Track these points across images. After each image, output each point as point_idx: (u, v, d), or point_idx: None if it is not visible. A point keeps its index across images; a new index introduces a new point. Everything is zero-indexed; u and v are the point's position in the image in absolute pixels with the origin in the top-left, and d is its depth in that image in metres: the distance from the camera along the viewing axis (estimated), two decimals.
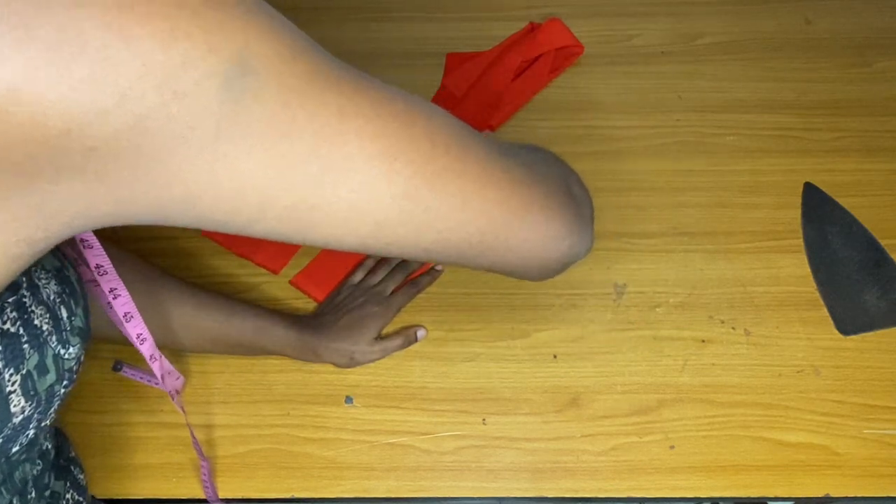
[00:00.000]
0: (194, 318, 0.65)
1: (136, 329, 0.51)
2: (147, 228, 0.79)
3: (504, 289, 0.76)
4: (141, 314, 0.53)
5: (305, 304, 0.75)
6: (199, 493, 0.65)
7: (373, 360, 0.71)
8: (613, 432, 0.67)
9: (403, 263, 0.75)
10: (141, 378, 0.69)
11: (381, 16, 0.99)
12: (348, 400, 0.69)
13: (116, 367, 0.70)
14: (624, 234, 0.79)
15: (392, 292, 0.73)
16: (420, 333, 0.72)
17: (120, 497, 0.64)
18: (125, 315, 0.50)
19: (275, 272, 0.77)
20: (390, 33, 0.98)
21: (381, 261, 0.76)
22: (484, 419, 0.68)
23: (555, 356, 0.71)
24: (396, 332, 0.72)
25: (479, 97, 0.90)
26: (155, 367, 0.54)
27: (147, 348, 0.53)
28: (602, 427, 0.68)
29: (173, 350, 0.69)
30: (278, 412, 0.68)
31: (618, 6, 1.00)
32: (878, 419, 0.68)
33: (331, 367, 0.70)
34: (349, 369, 0.70)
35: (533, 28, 0.97)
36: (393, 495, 0.65)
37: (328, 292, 0.75)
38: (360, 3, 1.01)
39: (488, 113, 0.89)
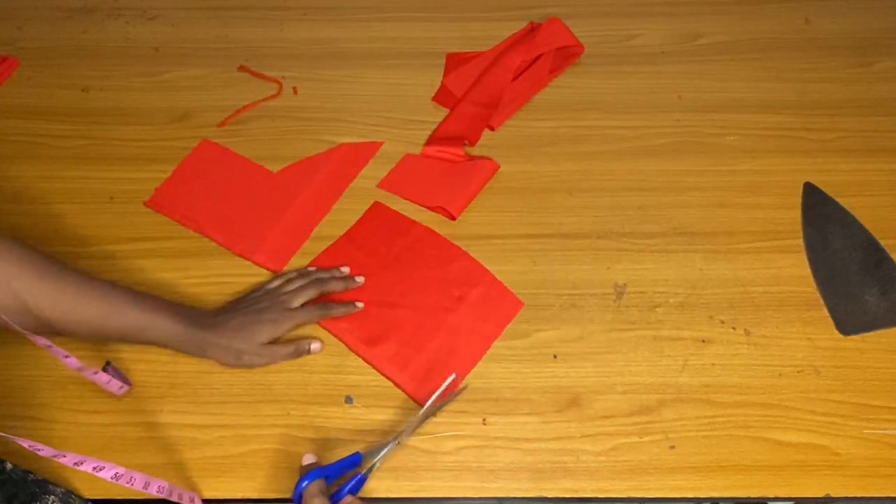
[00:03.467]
0: (75, 309, 0.64)
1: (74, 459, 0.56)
2: (145, 229, 0.79)
3: None
4: (28, 305, 0.61)
5: None
6: (198, 493, 0.65)
7: (260, 365, 0.70)
8: (613, 432, 0.67)
9: (319, 281, 0.73)
10: (106, 384, 0.68)
11: (381, 16, 0.99)
12: (348, 400, 0.69)
13: (105, 367, 0.69)
14: (624, 234, 0.79)
15: (303, 306, 0.71)
16: (314, 347, 0.71)
17: (117, 498, 0.64)
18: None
19: (275, 272, 0.77)
20: (390, 33, 0.98)
21: (300, 273, 0.74)
22: (484, 419, 0.68)
23: (555, 356, 0.71)
24: (290, 341, 0.71)
25: (479, 97, 0.90)
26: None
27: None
28: (602, 427, 0.68)
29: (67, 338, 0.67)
30: (278, 412, 0.68)
31: (618, 6, 1.00)
32: (878, 419, 0.68)
33: (331, 367, 0.70)
34: (348, 371, 0.70)
35: (533, 28, 0.97)
36: (393, 495, 0.65)
37: None
38: (361, 3, 1.01)
39: (488, 113, 0.89)
